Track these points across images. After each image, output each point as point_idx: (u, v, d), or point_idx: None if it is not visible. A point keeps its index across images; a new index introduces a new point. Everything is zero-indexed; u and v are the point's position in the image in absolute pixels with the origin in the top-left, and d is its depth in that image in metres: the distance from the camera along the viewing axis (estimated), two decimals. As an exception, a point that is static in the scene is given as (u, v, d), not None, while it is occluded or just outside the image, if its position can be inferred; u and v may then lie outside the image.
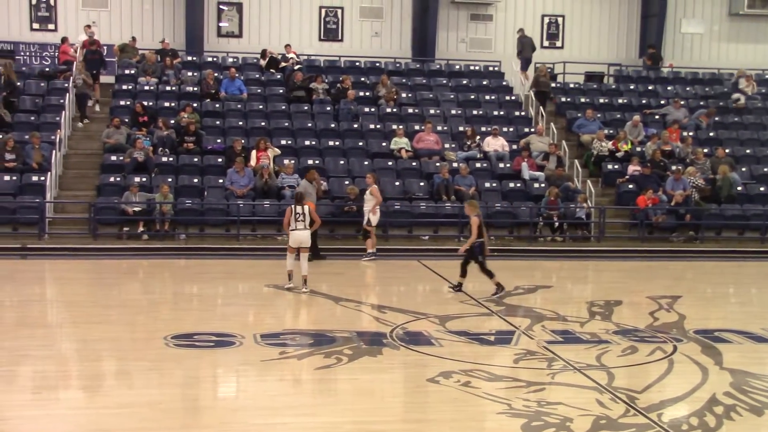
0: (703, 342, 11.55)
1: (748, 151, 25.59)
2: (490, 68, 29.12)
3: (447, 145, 23.82)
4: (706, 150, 24.53)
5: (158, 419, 8.14)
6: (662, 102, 27.60)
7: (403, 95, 26.23)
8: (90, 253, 18.71)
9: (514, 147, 24.12)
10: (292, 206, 14.86)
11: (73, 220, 20.77)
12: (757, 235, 22.58)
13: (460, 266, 14.82)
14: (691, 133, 25.64)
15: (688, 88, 29.14)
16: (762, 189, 23.68)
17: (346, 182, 21.51)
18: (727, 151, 24.55)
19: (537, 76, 26.54)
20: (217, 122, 24.01)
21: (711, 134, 26.26)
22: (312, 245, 16.46)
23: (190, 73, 26.18)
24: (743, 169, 24.40)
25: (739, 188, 23.32)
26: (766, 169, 24.66)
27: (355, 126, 24.41)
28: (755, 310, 14.94)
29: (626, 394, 9.05)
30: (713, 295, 16.62)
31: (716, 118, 27.00)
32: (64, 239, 19.75)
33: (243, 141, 22.26)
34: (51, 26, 28.62)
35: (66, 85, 24.35)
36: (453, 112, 25.82)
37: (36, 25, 28.59)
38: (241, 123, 24.00)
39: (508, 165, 23.43)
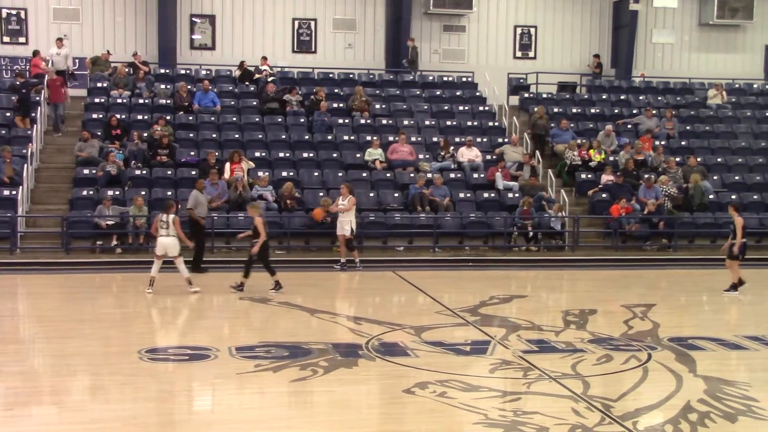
0: (677, 350, 11.62)
1: (719, 159, 25.80)
2: (464, 79, 29.21)
3: (421, 156, 23.84)
4: (678, 159, 24.72)
5: (132, 434, 8.09)
6: (634, 111, 27.79)
7: (377, 106, 26.25)
8: (63, 267, 18.55)
9: (488, 157, 24.22)
10: (159, 214, 15.70)
11: (45, 235, 20.57)
12: (729, 242, 22.73)
13: (244, 266, 15.65)
14: (662, 142, 25.84)
15: (659, 98, 29.37)
16: (733, 197, 23.86)
17: (321, 194, 21.46)
18: (698, 159, 24.76)
19: (535, 119, 25.88)
20: (191, 135, 23.90)
21: (683, 143, 26.46)
22: (196, 257, 17.48)
23: (163, 86, 26.06)
24: (715, 178, 24.61)
25: (710, 196, 23.50)
26: (737, 178, 24.91)
27: (329, 137, 24.39)
28: (728, 318, 15.07)
29: (601, 402, 9.09)
30: (687, 303, 16.72)
31: (687, 127, 27.21)
32: (37, 254, 19.61)
33: (217, 153, 22.18)
34: (22, 39, 28.40)
35: (38, 98, 24.12)
36: (427, 122, 25.87)
37: (6, 38, 28.35)
38: (214, 135, 23.91)
39: (482, 175, 23.50)
